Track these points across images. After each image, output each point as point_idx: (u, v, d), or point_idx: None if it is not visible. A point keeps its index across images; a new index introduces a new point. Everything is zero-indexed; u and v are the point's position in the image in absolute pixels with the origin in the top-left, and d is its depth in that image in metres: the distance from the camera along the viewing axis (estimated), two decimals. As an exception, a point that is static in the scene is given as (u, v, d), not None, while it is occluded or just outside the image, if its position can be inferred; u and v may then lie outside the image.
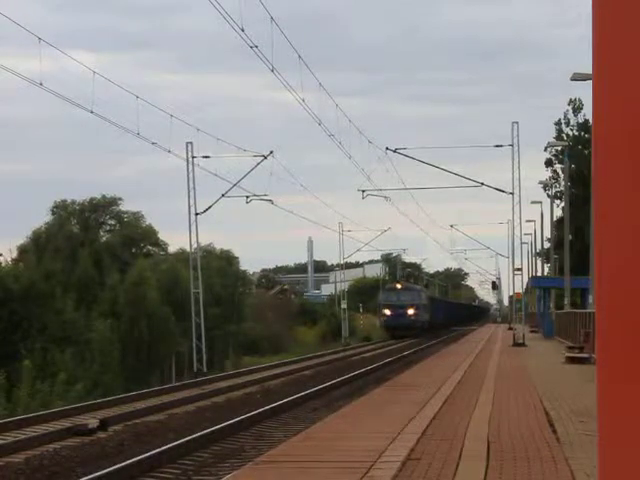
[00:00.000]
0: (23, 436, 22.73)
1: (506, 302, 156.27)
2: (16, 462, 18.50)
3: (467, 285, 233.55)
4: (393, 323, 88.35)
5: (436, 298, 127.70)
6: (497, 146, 59.04)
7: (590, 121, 2.66)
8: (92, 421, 23.71)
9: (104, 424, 23.24)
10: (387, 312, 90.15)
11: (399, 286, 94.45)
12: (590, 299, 47.23)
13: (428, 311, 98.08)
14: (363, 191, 61.67)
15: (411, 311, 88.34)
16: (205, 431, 22.02)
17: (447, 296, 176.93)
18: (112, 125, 41.38)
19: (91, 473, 16.45)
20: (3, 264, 76.96)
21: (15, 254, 78.05)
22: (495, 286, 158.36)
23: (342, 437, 16.45)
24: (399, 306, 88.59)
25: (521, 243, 71.25)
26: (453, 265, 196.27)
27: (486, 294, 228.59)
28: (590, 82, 2.36)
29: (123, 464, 17.17)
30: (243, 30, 35.23)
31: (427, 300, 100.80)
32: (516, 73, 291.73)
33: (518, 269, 66.49)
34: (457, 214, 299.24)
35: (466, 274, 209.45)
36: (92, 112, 38.14)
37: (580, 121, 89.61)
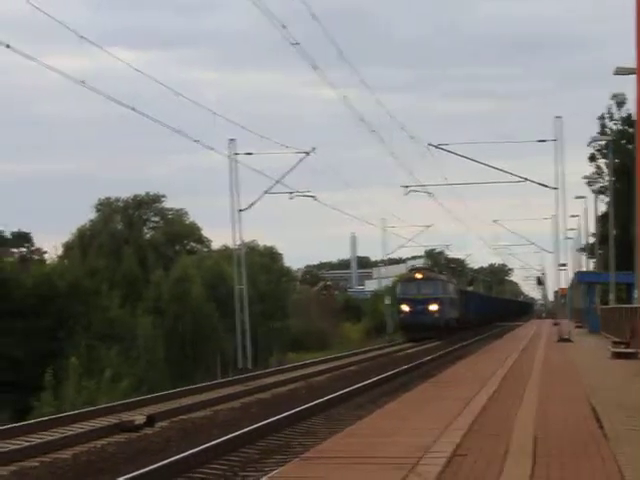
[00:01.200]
0: (70, 432, 22.90)
1: (551, 297, 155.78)
2: (63, 458, 18.61)
3: (511, 281, 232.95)
4: (411, 321, 71.93)
5: (470, 292, 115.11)
6: (540, 141, 58.73)
7: (634, 115, 2.53)
8: (139, 417, 23.80)
9: (151, 420, 23.33)
10: (404, 308, 73.25)
11: (419, 276, 75.39)
12: (636, 294, 46.84)
13: (458, 307, 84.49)
14: (406, 187, 61.55)
15: (434, 306, 71.50)
16: (251, 427, 22.07)
17: (491, 292, 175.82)
18: (155, 123, 41.46)
19: (138, 469, 16.47)
20: (49, 261, 77.71)
21: (60, 251, 78.78)
22: (540, 281, 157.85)
23: (387, 433, 16.44)
24: (419, 301, 72.21)
25: (565, 238, 70.77)
26: (497, 261, 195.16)
27: (531, 290, 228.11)
28: (634, 76, 2.30)
29: (169, 460, 17.25)
30: (284, 27, 35.30)
31: (456, 293, 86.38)
32: (558, 68, 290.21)
33: (563, 264, 66.43)
34: (500, 210, 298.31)
35: (510, 270, 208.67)
36: (134, 109, 38.27)
37: (624, 115, 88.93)
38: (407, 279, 78.64)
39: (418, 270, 79.04)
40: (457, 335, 74.78)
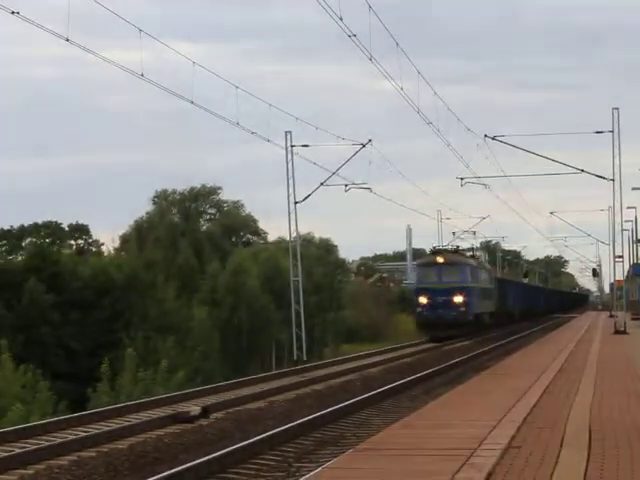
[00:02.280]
0: (127, 423, 23.08)
1: (607, 289, 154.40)
2: (120, 449, 18.72)
3: (567, 272, 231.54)
4: (430, 317, 55.86)
5: (512, 281, 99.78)
6: (597, 132, 58.52)
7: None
8: (194, 408, 23.91)
9: (206, 411, 23.44)
10: (422, 300, 56.61)
11: (441, 260, 57.29)
12: None
13: (493, 298, 68.52)
14: (462, 179, 61.24)
15: (458, 298, 55.25)
16: (305, 418, 22.12)
17: (547, 284, 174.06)
18: (212, 115, 41.68)
19: (193, 460, 16.65)
20: (106, 253, 78.59)
21: (117, 243, 79.62)
22: (595, 273, 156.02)
23: (442, 425, 16.44)
24: (440, 291, 55.94)
25: (622, 230, 70.25)
26: (553, 253, 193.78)
27: (587, 282, 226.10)
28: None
29: (225, 451, 17.36)
30: (341, 19, 35.30)
31: (491, 282, 70.16)
32: (615, 59, 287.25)
33: (619, 256, 66.62)
34: (556, 201, 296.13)
35: (566, 262, 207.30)
36: (192, 102, 38.52)
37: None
38: (426, 263, 60.18)
39: (440, 252, 59.19)
40: (492, 332, 62.29)
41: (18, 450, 18.35)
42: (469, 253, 69.71)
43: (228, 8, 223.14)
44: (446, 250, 60.03)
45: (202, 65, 38.80)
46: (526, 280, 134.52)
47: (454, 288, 55.43)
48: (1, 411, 38.80)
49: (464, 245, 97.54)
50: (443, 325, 54.15)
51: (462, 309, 55.22)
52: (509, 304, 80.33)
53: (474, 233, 75.18)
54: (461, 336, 53.98)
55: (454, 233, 73.76)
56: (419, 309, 56.65)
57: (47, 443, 19.07)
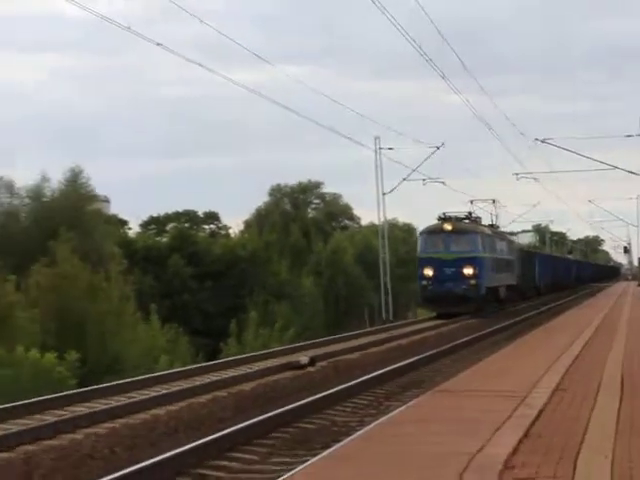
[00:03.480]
0: (250, 370, 23.17)
1: (636, 263, 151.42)
2: (245, 390, 18.98)
3: (604, 250, 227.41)
4: (437, 291, 42.07)
5: (539, 252, 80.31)
6: (628, 136, 57.56)
7: None
8: (303, 358, 24.00)
9: (313, 361, 23.44)
10: (427, 272, 42.82)
11: (449, 227, 43.28)
12: None
13: (515, 270, 53.79)
14: (516, 174, 60.30)
15: (469, 270, 42.05)
16: (392, 366, 22.18)
17: (587, 258, 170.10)
18: (316, 125, 42.02)
19: (303, 399, 16.95)
20: (232, 235, 79.47)
21: (242, 227, 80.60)
22: (626, 250, 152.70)
23: (503, 372, 16.35)
24: (448, 262, 42.26)
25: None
26: (591, 234, 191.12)
27: (620, 257, 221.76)
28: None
29: (328, 392, 17.56)
30: (420, 47, 35.11)
31: (512, 252, 54.37)
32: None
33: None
34: (594, 191, 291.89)
35: (602, 240, 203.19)
36: (298, 114, 38.81)
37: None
38: (432, 231, 44.36)
39: (448, 219, 44.36)
40: (510, 306, 49.74)
41: (164, 391, 18.68)
42: (488, 223, 51.69)
43: (327, 36, 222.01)
44: (456, 218, 44.16)
45: (306, 84, 39.05)
46: (571, 256, 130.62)
47: (464, 258, 40.99)
48: (154, 360, 39.23)
49: (518, 227, 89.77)
50: (451, 300, 40.31)
51: (473, 282, 40.80)
52: (534, 276, 64.37)
53: (493, 201, 56.04)
54: (471, 312, 40.64)
55: (472, 201, 53.29)
56: (424, 282, 41.74)
57: (187, 385, 19.35)
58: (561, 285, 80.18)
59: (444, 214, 43.84)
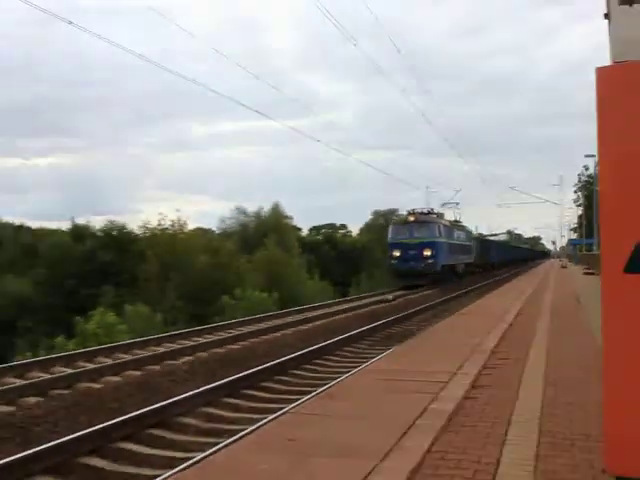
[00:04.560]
0: (359, 303, 28.10)
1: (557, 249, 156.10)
2: (359, 312, 23.11)
3: (542, 243, 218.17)
4: (402, 268, 43.81)
5: (493, 241, 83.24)
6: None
7: None
8: (389, 296, 28.94)
9: (395, 298, 28.36)
10: (396, 253, 44.93)
11: (412, 218, 46.43)
12: (593, 248, 58.50)
13: (472, 252, 55.50)
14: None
15: (427, 251, 44.39)
16: (437, 300, 26.96)
17: (533, 247, 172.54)
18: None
19: (390, 317, 20.34)
20: (354, 235, 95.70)
21: (358, 232, 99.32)
22: (553, 242, 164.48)
23: (487, 306, 19.68)
24: (411, 245, 44.22)
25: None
26: (535, 234, 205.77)
27: (551, 246, 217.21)
28: None
29: (402, 313, 21.59)
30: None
31: (469, 240, 55.79)
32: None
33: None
34: (538, 216, 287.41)
35: (541, 237, 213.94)
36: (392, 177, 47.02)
37: None
38: (399, 222, 46.97)
39: (412, 213, 46.58)
40: (468, 278, 48.97)
41: (321, 312, 24.04)
42: (453, 219, 53.51)
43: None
44: (421, 212, 45.08)
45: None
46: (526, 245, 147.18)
47: (423, 243, 42.17)
48: (313, 298, 48.14)
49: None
50: (413, 275, 41.12)
51: (430, 261, 41.82)
52: (488, 256, 66.27)
53: (457, 204, 57.39)
54: (430, 284, 40.41)
55: (443, 204, 56.86)
56: (393, 261, 42.50)
57: (329, 310, 22.30)
58: (510, 263, 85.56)
59: (413, 210, 45.15)
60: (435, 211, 46.22)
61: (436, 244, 41.81)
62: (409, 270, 40.54)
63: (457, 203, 56.43)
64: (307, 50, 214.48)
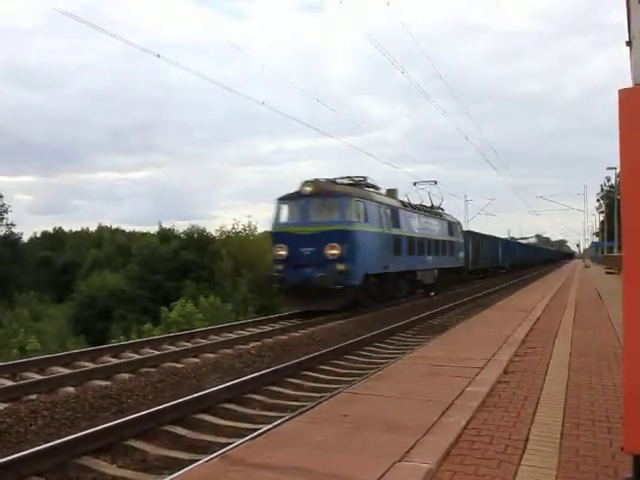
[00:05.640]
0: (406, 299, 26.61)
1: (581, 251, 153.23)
2: (400, 307, 21.85)
3: (567, 245, 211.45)
4: (291, 280, 18.10)
5: (497, 238, 51.13)
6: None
7: None
8: (432, 294, 27.49)
9: (436, 294, 27.56)
10: (279, 252, 18.51)
11: (309, 189, 18.50)
12: (614, 250, 58.34)
13: (455, 252, 32.30)
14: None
15: (332, 250, 17.76)
16: (474, 296, 22.96)
17: (559, 249, 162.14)
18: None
19: (432, 310, 20.14)
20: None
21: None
22: (578, 245, 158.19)
23: (517, 302, 19.41)
24: (306, 237, 18.17)
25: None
26: (561, 237, 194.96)
27: (575, 248, 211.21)
28: None
29: (442, 307, 21.21)
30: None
31: (456, 236, 32.73)
32: None
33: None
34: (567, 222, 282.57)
35: (566, 241, 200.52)
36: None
37: None
38: (290, 197, 19.56)
39: (310, 182, 19.52)
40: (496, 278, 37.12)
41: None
42: (428, 204, 30.53)
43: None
44: (331, 180, 20.87)
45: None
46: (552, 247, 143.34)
47: (325, 233, 18.53)
48: None
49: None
50: (312, 291, 18.48)
51: (338, 266, 18.30)
52: (497, 259, 47.63)
53: (435, 182, 31.23)
54: (334, 308, 18.69)
55: (415, 183, 31.08)
56: (276, 266, 19.20)
57: None
58: (525, 265, 65.57)
59: (315, 179, 20.34)
60: (361, 180, 21.97)
61: (352, 235, 18.81)
62: (301, 282, 18.51)
63: (435, 182, 31.84)
64: (359, 76, 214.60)
